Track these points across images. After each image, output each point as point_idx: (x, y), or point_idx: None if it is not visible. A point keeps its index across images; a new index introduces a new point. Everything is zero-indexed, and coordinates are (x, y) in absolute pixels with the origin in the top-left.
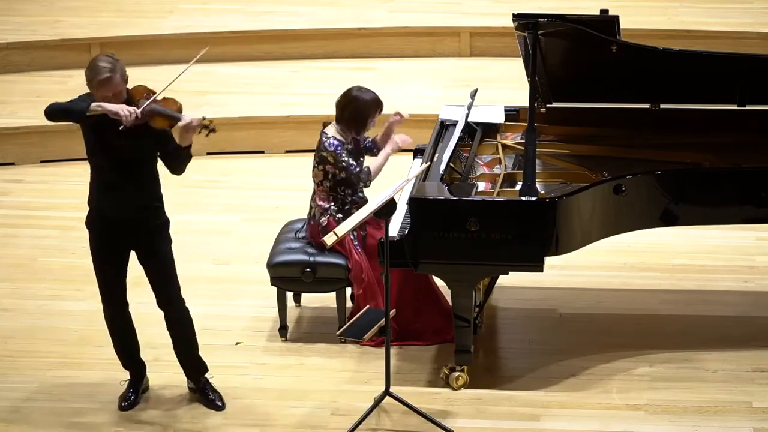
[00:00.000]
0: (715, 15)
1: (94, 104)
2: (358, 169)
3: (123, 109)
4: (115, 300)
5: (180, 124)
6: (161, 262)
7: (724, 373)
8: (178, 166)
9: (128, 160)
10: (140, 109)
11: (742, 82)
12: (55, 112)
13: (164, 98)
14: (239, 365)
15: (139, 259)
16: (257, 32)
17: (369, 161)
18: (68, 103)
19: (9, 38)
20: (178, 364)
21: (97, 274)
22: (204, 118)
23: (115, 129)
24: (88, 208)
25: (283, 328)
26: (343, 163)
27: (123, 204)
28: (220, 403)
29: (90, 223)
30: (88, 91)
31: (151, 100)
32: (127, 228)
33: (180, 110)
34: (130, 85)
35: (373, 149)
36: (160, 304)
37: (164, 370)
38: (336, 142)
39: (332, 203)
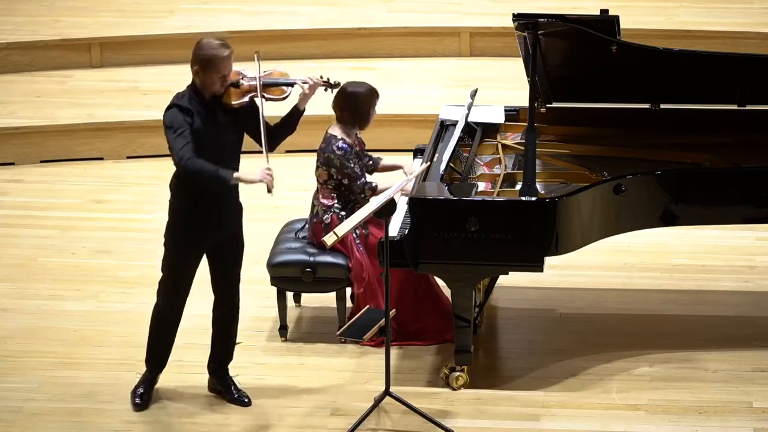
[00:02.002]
0: (715, 15)
1: (235, 175)
2: (363, 180)
3: (265, 177)
4: (183, 293)
5: (304, 86)
6: (240, 244)
7: (724, 373)
8: (282, 138)
9: (236, 150)
10: (258, 87)
11: (742, 82)
12: (192, 174)
13: (264, 71)
14: (239, 365)
15: (218, 252)
16: (257, 32)
17: (381, 183)
18: (210, 168)
19: (9, 38)
20: (179, 364)
21: (173, 266)
22: (322, 76)
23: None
24: (174, 199)
25: (283, 328)
26: (348, 170)
27: (231, 202)
28: (246, 400)
29: (185, 225)
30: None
31: (258, 77)
32: (230, 221)
33: (287, 76)
34: None
35: (372, 169)
36: (223, 291)
37: (165, 370)
38: (345, 146)
39: (336, 201)
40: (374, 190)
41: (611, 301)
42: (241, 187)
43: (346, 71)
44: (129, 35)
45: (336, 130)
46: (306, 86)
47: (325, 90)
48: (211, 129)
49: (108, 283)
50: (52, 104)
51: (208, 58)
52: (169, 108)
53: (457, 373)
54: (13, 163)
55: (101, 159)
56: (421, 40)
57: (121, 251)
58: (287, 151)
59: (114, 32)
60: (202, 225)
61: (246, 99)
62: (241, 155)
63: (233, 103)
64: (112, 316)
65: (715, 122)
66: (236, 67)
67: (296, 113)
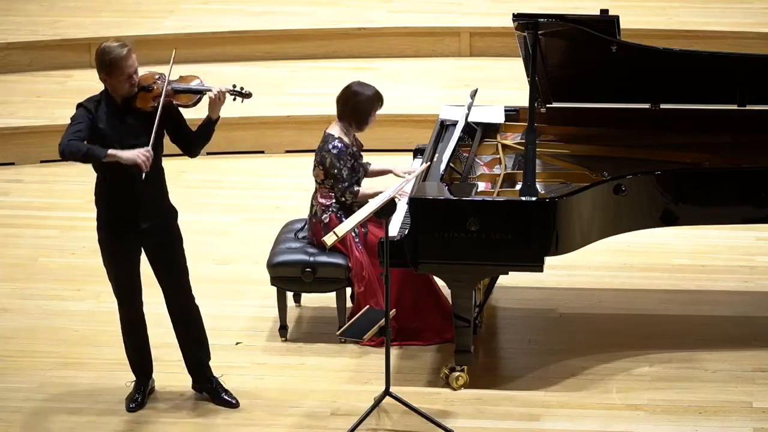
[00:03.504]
0: (715, 15)
1: (110, 152)
2: (346, 184)
3: (139, 156)
4: (135, 300)
5: (211, 94)
6: (178, 252)
7: (724, 373)
8: (200, 145)
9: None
10: (163, 91)
11: (742, 82)
12: (69, 156)
13: (181, 76)
14: (239, 365)
15: (151, 254)
16: (257, 32)
17: (369, 186)
18: (83, 147)
19: (9, 38)
20: (179, 364)
21: (114, 276)
22: (234, 86)
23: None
24: (96, 210)
25: (283, 328)
26: (335, 170)
27: (146, 201)
28: (234, 401)
29: (107, 225)
30: (89, 92)
31: (167, 81)
32: (150, 223)
33: (201, 83)
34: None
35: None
36: (172, 298)
37: (165, 370)
38: (340, 145)
39: (334, 200)
40: (355, 196)
41: (611, 301)
42: (240, 186)
43: (346, 71)
44: (129, 35)
45: (335, 129)
46: (211, 94)
47: (234, 99)
48: (120, 131)
49: (108, 283)
50: (52, 104)
51: (108, 61)
52: (79, 105)
53: (457, 373)
54: (13, 163)
55: None
56: (421, 40)
57: None
58: (287, 151)
59: (114, 32)
60: (118, 230)
61: (155, 104)
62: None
63: (142, 107)
64: (112, 316)
65: (715, 122)
66: (155, 69)
67: (208, 122)
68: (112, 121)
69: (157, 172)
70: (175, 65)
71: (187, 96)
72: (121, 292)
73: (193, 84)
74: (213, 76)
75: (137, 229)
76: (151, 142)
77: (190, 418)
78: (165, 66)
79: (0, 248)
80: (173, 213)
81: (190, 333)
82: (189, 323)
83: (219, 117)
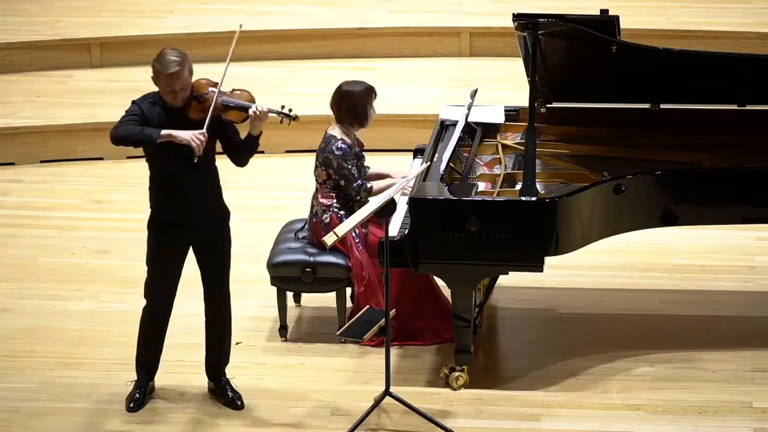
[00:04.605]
0: (715, 15)
1: (164, 132)
2: (360, 182)
3: (194, 139)
4: (166, 299)
5: (251, 111)
6: (223, 254)
7: (724, 373)
8: (244, 157)
9: (200, 161)
10: (212, 103)
11: (742, 82)
12: (121, 140)
13: (233, 90)
14: (239, 365)
15: (197, 252)
16: (257, 32)
17: (376, 183)
18: (136, 129)
19: (9, 38)
20: (179, 364)
21: (150, 271)
22: (283, 107)
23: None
24: (149, 211)
25: (283, 328)
26: (345, 171)
27: (196, 198)
28: (239, 403)
29: (154, 224)
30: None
31: (217, 92)
32: (199, 221)
33: (251, 100)
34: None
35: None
36: (210, 300)
37: (165, 370)
38: (344, 146)
39: (334, 200)
40: (369, 192)
41: (611, 301)
42: (240, 186)
43: (346, 71)
44: (129, 35)
45: (335, 131)
46: (251, 111)
47: (281, 121)
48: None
49: (108, 283)
50: (52, 104)
51: (155, 71)
52: (133, 102)
53: (457, 373)
54: (13, 163)
55: (101, 159)
56: (421, 40)
57: (121, 251)
58: (287, 151)
59: (114, 32)
60: (167, 228)
61: (205, 115)
62: (253, 157)
63: (193, 117)
64: (112, 316)
65: (715, 122)
66: (212, 77)
67: (249, 137)
68: (164, 122)
69: (208, 167)
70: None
71: (237, 113)
72: (154, 289)
73: (244, 100)
74: (213, 76)
75: (185, 225)
76: (205, 126)
77: (190, 418)
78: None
79: (0, 248)
80: (225, 213)
81: (218, 336)
82: (221, 326)
83: (261, 132)
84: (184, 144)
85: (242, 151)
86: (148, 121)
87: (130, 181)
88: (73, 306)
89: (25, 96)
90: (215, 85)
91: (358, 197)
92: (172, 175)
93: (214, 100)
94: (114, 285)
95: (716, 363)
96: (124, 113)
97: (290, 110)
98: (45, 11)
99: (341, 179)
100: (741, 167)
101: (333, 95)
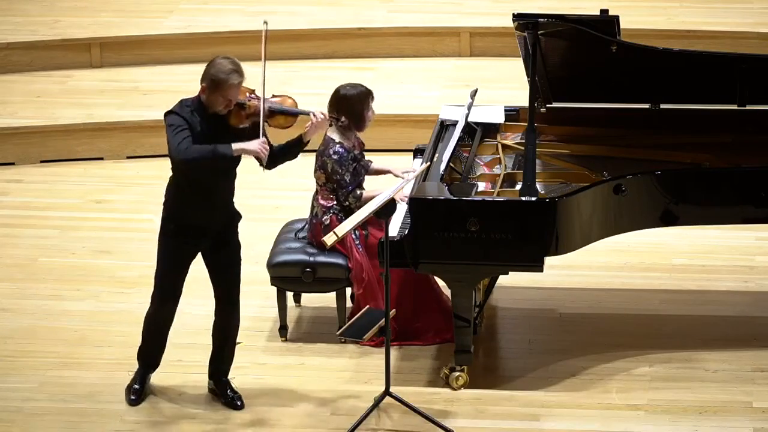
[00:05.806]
0: (715, 15)
1: (236, 147)
2: (349, 188)
3: (262, 150)
4: (173, 300)
5: (315, 120)
6: (236, 256)
7: (724, 373)
8: (282, 161)
9: (230, 166)
10: (261, 110)
11: (742, 82)
12: (193, 161)
13: (274, 95)
14: (239, 365)
15: (209, 256)
16: (257, 32)
17: (370, 189)
18: (207, 149)
19: (9, 38)
20: (179, 364)
21: (163, 274)
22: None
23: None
24: (159, 214)
25: (283, 328)
26: (338, 176)
27: (220, 203)
28: (239, 403)
29: (173, 229)
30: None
31: (263, 100)
32: (218, 224)
33: (294, 105)
34: None
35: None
36: (221, 305)
37: (165, 370)
38: (341, 150)
39: (335, 202)
40: (358, 199)
41: (611, 301)
42: (241, 186)
43: (346, 71)
44: (129, 35)
45: (334, 134)
46: (314, 118)
47: (330, 125)
48: (213, 142)
49: (108, 283)
50: (52, 104)
51: (217, 80)
52: (171, 112)
53: (457, 373)
54: (13, 163)
55: (101, 159)
56: (421, 40)
57: (121, 251)
58: None
59: (114, 32)
60: (188, 233)
61: (248, 124)
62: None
63: (235, 124)
64: (112, 316)
65: (715, 122)
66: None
67: (300, 144)
68: (206, 130)
69: (234, 174)
70: (175, 66)
71: (284, 118)
72: (163, 290)
73: (289, 105)
74: None
75: (205, 231)
76: (261, 133)
77: (190, 418)
78: (166, 66)
79: (0, 248)
80: (238, 215)
81: (226, 340)
82: (230, 332)
83: (310, 141)
84: (251, 154)
85: (284, 156)
86: (192, 129)
87: (130, 181)
88: (73, 306)
89: (25, 96)
90: (252, 91)
91: (347, 203)
92: (202, 181)
93: (262, 107)
94: (114, 285)
95: (716, 363)
96: (169, 124)
97: (338, 117)
98: (45, 11)
99: (334, 183)
100: (741, 167)
101: (330, 99)
